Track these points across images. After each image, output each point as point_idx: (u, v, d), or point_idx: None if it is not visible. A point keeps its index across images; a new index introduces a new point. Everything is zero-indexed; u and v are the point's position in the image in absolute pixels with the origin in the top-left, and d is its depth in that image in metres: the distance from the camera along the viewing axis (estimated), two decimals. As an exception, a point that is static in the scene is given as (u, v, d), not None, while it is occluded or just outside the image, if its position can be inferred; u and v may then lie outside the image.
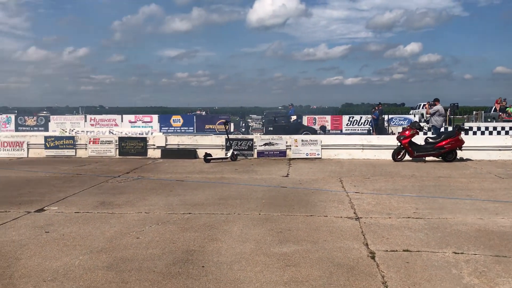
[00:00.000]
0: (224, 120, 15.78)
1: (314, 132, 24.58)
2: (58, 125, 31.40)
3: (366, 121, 31.82)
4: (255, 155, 15.00)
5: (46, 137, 16.14)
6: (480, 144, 14.57)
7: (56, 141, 15.81)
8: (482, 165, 12.88)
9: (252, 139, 15.33)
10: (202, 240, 5.73)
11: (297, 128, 24.02)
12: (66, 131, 25.77)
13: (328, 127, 32.25)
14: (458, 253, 5.17)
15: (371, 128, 28.02)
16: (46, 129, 31.36)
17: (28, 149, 15.83)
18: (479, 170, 11.87)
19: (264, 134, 21.82)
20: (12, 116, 34.37)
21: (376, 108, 27.35)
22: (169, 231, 6.13)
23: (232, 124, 27.31)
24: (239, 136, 16.52)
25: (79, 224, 6.52)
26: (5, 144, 15.87)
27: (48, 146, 15.74)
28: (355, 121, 32.77)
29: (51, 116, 34.76)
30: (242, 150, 14.99)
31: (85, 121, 33.17)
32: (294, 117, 25.77)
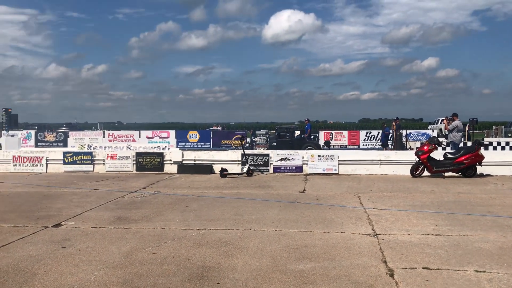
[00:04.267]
0: (240, 136, 15.75)
1: (318, 147, 24.33)
2: (77, 141, 31.84)
3: (384, 136, 31.61)
4: (271, 170, 14.95)
5: (64, 153, 16.35)
6: (501, 159, 14.28)
7: (74, 157, 16.00)
8: (503, 181, 12.61)
9: (268, 154, 15.29)
10: (217, 256, 5.68)
11: (301, 144, 23.71)
12: (84, 147, 26.07)
13: (346, 143, 32.09)
14: (480, 272, 5.03)
15: (380, 144, 27.84)
16: (65, 145, 31.81)
17: (47, 164, 16.03)
18: (500, 186, 11.61)
19: (267, 149, 21.83)
20: (32, 132, 35.00)
21: (387, 124, 27.20)
22: (185, 247, 6.09)
23: (248, 139, 27.54)
24: (255, 151, 16.49)
25: (96, 240, 6.54)
26: (25, 160, 16.11)
27: (67, 161, 15.92)
28: (373, 136, 32.53)
29: (70, 132, 35.30)
30: (258, 165, 14.96)
31: (103, 136, 33.59)
32: (298, 132, 25.67)
